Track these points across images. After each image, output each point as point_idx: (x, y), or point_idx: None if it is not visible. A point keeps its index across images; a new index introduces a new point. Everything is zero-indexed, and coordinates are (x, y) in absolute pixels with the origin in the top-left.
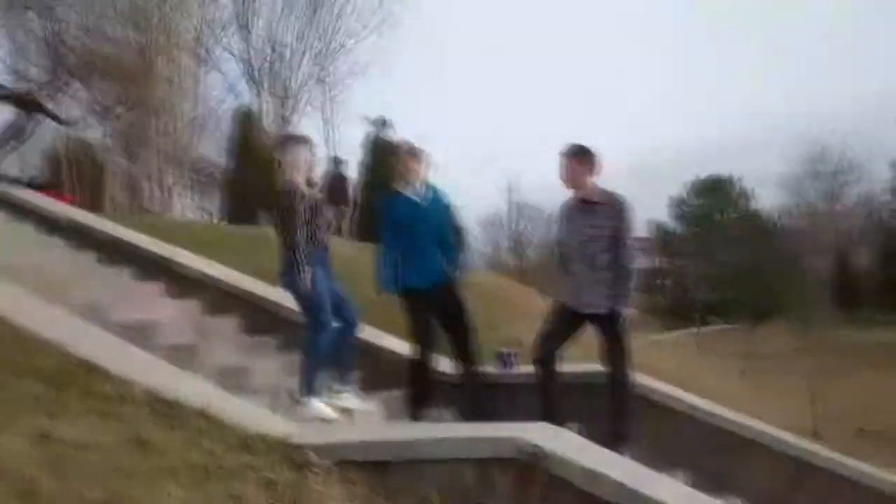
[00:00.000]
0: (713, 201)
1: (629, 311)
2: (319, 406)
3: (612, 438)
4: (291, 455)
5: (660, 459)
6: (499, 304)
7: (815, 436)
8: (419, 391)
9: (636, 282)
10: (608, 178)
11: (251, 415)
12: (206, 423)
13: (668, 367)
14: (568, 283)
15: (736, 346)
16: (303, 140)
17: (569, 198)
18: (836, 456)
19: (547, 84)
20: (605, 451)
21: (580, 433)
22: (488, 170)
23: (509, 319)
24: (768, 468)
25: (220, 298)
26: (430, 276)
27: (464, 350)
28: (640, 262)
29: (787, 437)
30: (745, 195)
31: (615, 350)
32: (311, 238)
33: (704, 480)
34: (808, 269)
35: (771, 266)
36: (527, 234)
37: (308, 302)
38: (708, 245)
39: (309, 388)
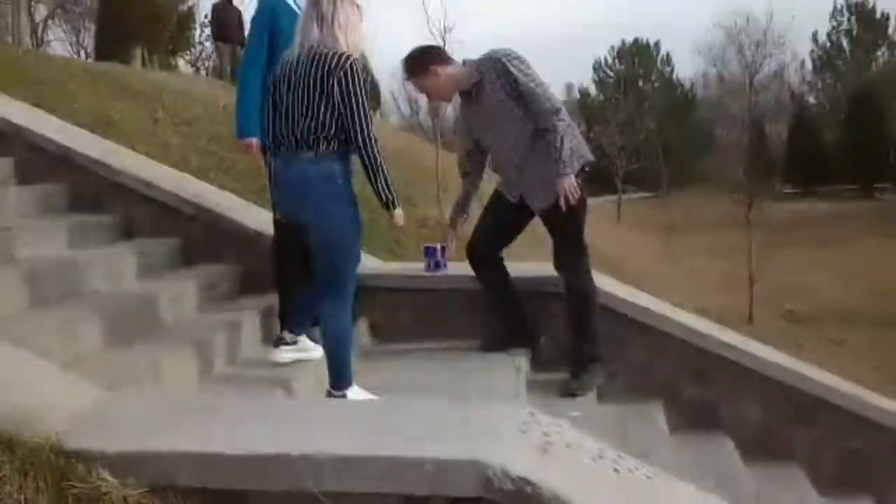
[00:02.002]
0: (635, 67)
1: (568, 189)
2: (361, 393)
3: (581, 364)
4: (63, 471)
5: (634, 388)
6: (418, 175)
7: (750, 320)
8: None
9: (567, 141)
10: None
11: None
12: None
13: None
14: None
15: (657, 218)
16: None
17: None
18: (855, 390)
19: None
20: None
21: (547, 349)
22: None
23: (430, 195)
24: (762, 399)
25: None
26: None
27: None
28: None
29: (783, 359)
30: (667, 62)
31: (563, 250)
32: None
33: (687, 414)
34: (724, 140)
35: (689, 136)
36: None
37: (348, 257)
38: (629, 112)
39: (345, 377)
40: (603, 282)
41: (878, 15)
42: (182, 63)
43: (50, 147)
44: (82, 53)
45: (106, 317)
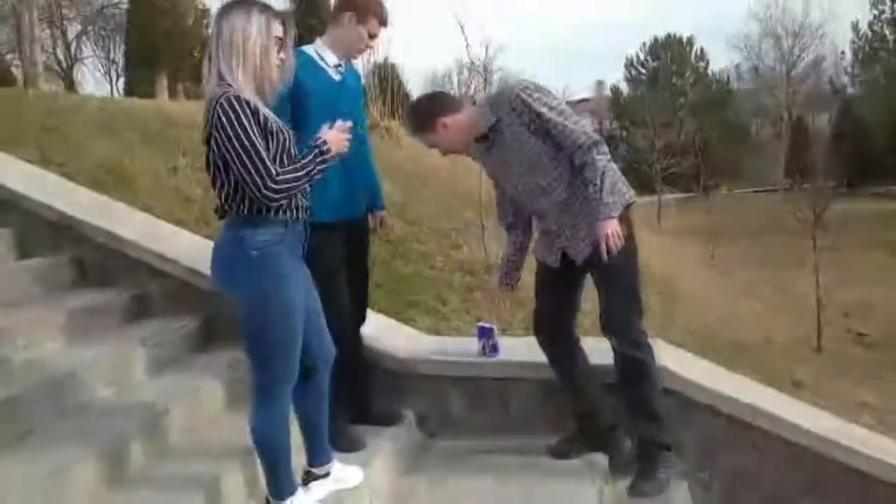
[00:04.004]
0: (669, 63)
1: (611, 235)
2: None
3: (648, 455)
4: None
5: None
6: (459, 203)
7: (819, 349)
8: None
9: (608, 178)
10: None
11: None
12: None
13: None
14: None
15: (699, 222)
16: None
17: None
18: None
19: None
20: None
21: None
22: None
23: (476, 228)
24: None
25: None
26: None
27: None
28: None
29: None
30: (702, 57)
31: (613, 306)
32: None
33: None
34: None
35: (726, 132)
36: (477, 95)
37: (266, 333)
38: (663, 110)
39: (285, 486)
40: (680, 361)
41: None
42: None
43: (51, 216)
44: (113, 72)
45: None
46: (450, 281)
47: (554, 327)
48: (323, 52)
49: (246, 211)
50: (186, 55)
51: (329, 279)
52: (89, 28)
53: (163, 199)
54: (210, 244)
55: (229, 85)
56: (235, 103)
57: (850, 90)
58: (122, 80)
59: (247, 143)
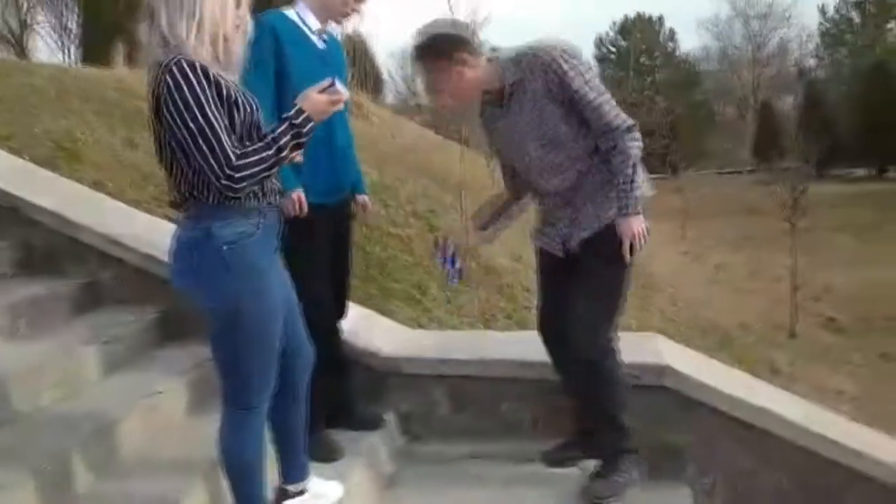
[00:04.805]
0: (639, 42)
1: (638, 233)
2: None
3: (606, 458)
4: None
5: None
6: (438, 184)
7: (793, 334)
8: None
9: (640, 170)
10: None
11: None
12: None
13: None
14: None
15: (671, 203)
16: None
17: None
18: None
19: None
20: None
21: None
22: None
23: (436, 195)
24: None
25: None
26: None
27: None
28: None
29: None
30: (671, 37)
31: (589, 301)
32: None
33: None
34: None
35: (694, 113)
36: None
37: (240, 340)
38: (632, 90)
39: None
40: (681, 357)
41: None
42: None
43: None
44: (67, 39)
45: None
46: (428, 267)
47: (561, 324)
48: (305, 16)
49: (212, 199)
50: None
51: (310, 269)
52: None
53: (119, 177)
54: (170, 227)
55: (177, 48)
56: (189, 70)
57: (815, 73)
58: (76, 47)
59: (202, 120)
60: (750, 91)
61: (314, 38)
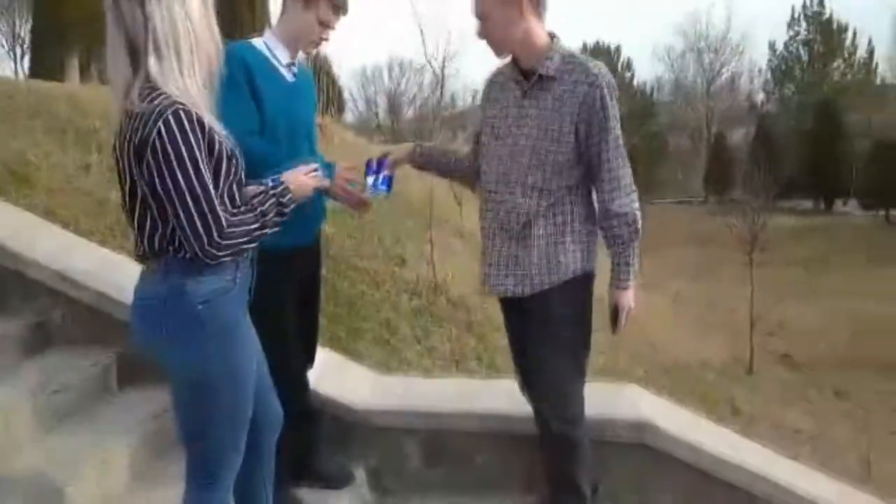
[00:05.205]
0: None
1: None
2: None
3: None
4: None
5: None
6: (408, 214)
7: (751, 370)
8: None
9: (635, 236)
10: None
11: None
12: None
13: None
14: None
15: None
16: None
17: (498, 68)
18: None
19: None
20: None
21: None
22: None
23: (400, 221)
24: None
25: None
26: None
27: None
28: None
29: None
30: (628, 67)
31: (551, 364)
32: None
33: None
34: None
35: (648, 143)
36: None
37: (210, 405)
38: None
39: None
40: (660, 410)
41: (835, 26)
42: None
43: None
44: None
45: None
46: (396, 304)
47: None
48: (275, 48)
49: (186, 254)
50: (101, 32)
51: (277, 318)
52: None
53: (72, 203)
54: (127, 262)
55: (162, 92)
56: (186, 122)
57: (766, 107)
58: (27, 58)
59: (195, 180)
60: (703, 123)
61: (283, 70)
